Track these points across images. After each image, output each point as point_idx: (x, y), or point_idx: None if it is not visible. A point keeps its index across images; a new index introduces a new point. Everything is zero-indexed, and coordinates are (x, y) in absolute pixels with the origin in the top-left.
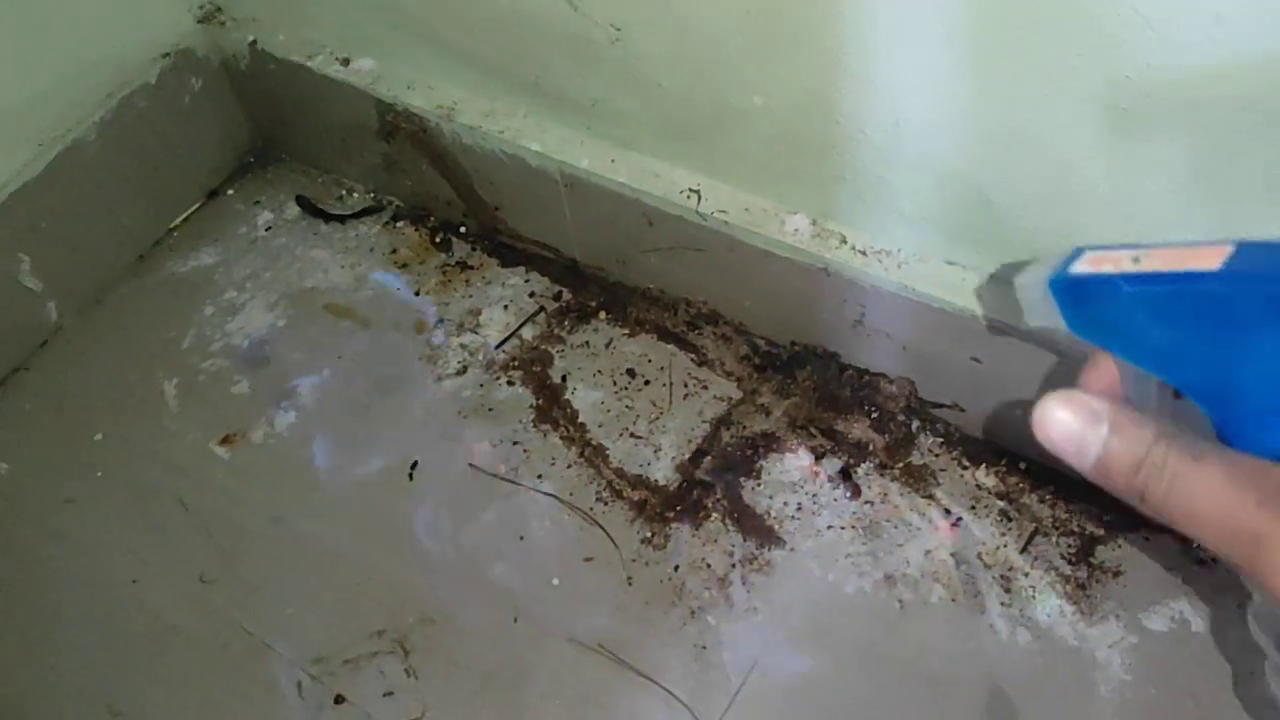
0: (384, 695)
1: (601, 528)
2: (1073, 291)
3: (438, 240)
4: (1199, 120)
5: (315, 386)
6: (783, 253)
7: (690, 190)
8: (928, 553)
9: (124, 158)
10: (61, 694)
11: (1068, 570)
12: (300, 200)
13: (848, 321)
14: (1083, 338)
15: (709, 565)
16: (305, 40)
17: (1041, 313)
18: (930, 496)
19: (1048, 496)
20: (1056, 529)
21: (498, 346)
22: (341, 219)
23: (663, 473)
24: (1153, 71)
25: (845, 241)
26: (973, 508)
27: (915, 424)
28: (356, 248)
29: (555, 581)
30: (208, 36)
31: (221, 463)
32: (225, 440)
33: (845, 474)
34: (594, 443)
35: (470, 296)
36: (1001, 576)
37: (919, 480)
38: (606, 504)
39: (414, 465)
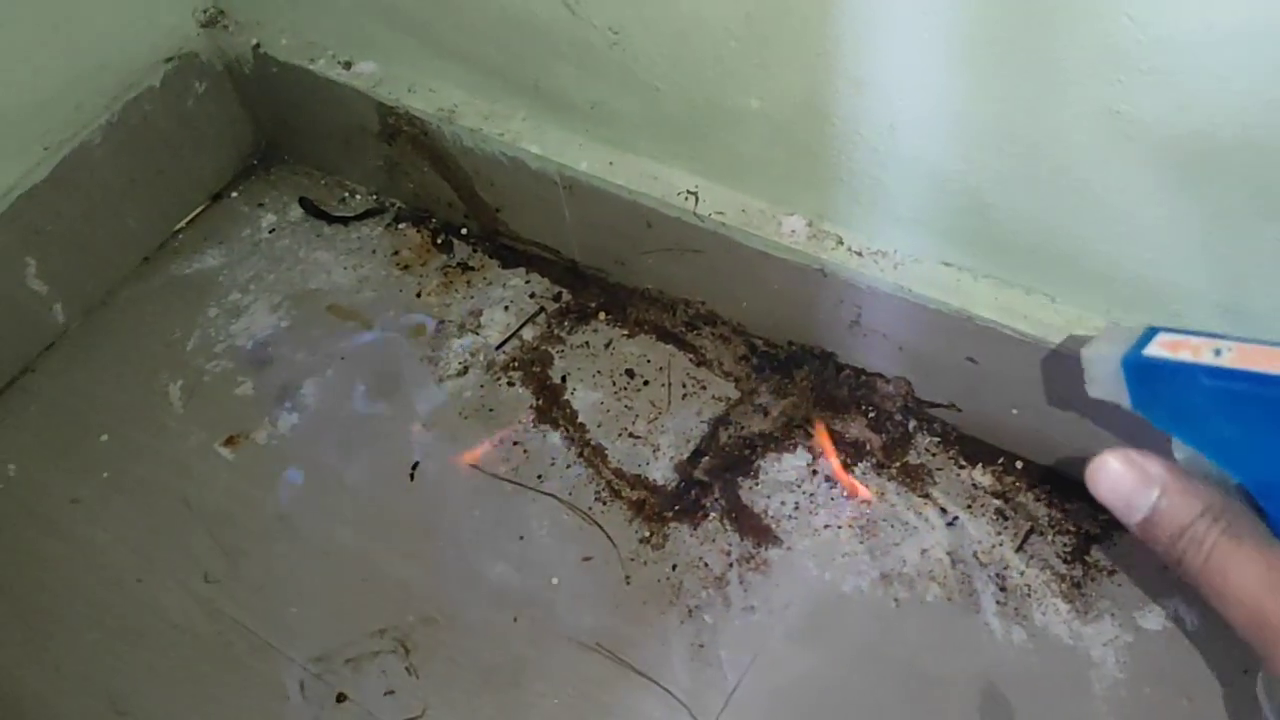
0: (385, 694)
1: (600, 527)
2: (1145, 373)
3: (439, 242)
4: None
5: (318, 387)
6: (780, 254)
7: (688, 192)
8: (924, 551)
9: (129, 161)
10: (66, 692)
11: (1063, 569)
12: (303, 202)
13: (844, 322)
14: (1145, 416)
15: (707, 564)
16: (308, 44)
17: (1107, 388)
18: (927, 496)
19: (1044, 495)
20: (1052, 528)
21: (498, 347)
22: (344, 221)
23: (661, 472)
24: (1146, 76)
25: (841, 242)
26: (969, 507)
27: (912, 424)
28: (359, 249)
29: (554, 581)
30: (211, 40)
31: (226, 463)
32: (229, 441)
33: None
34: (593, 443)
35: (471, 298)
36: (997, 575)
37: (916, 479)
38: (605, 504)
39: (415, 466)
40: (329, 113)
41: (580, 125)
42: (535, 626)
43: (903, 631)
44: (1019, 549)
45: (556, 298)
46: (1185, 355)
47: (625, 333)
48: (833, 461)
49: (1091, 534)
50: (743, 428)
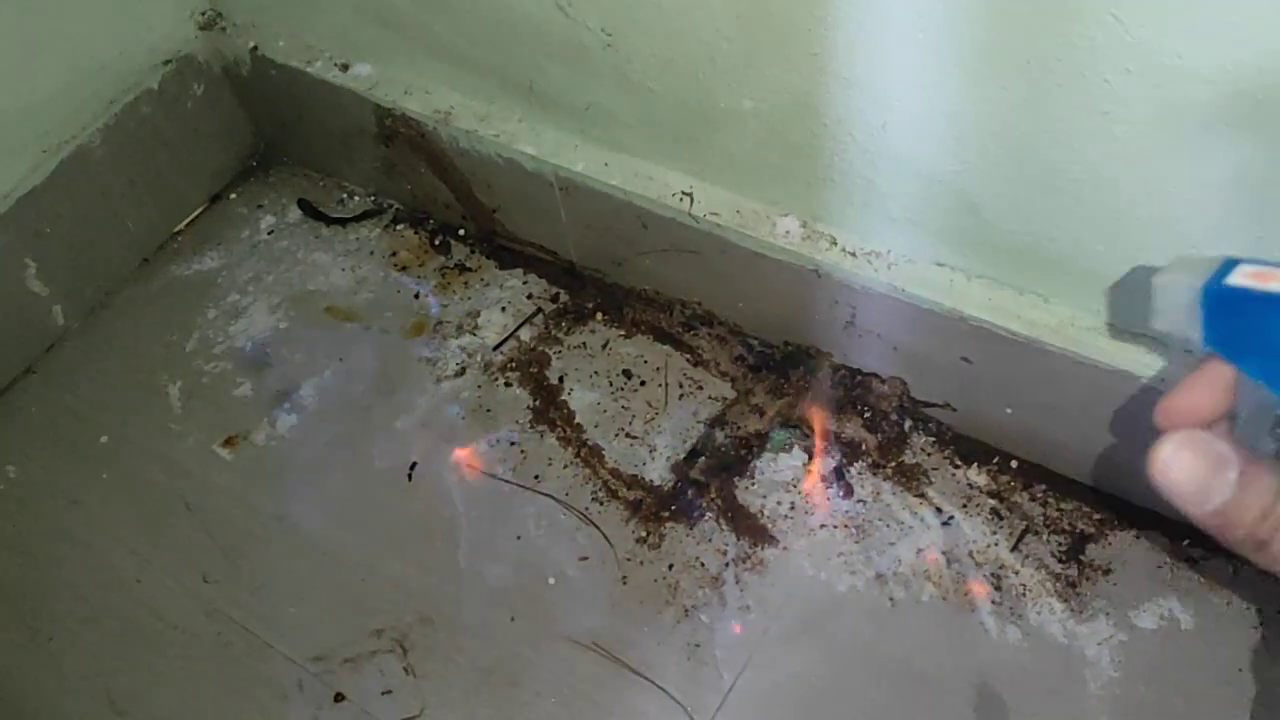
0: (383, 693)
1: (597, 527)
2: (1227, 304)
3: (437, 243)
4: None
5: (317, 388)
6: (774, 254)
7: (683, 193)
8: (919, 551)
9: (128, 163)
10: (66, 691)
11: (1058, 568)
12: (302, 204)
13: (840, 322)
14: (1217, 351)
15: (703, 564)
16: (305, 46)
17: (1177, 321)
18: (922, 495)
19: (1039, 495)
20: (1047, 527)
21: (496, 348)
22: (342, 222)
23: (658, 473)
24: (1131, 76)
25: (835, 243)
26: (964, 506)
27: (907, 423)
28: (357, 251)
29: (551, 580)
30: (209, 43)
31: (224, 464)
32: (228, 442)
33: (838, 473)
34: (590, 443)
35: (469, 298)
36: (992, 575)
37: (911, 479)
38: (602, 504)
39: (413, 466)
40: (326, 115)
41: (575, 126)
42: (532, 626)
43: (898, 631)
44: (1014, 548)
45: (554, 298)
46: (1275, 286)
47: (622, 333)
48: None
49: (1086, 533)
50: (739, 428)
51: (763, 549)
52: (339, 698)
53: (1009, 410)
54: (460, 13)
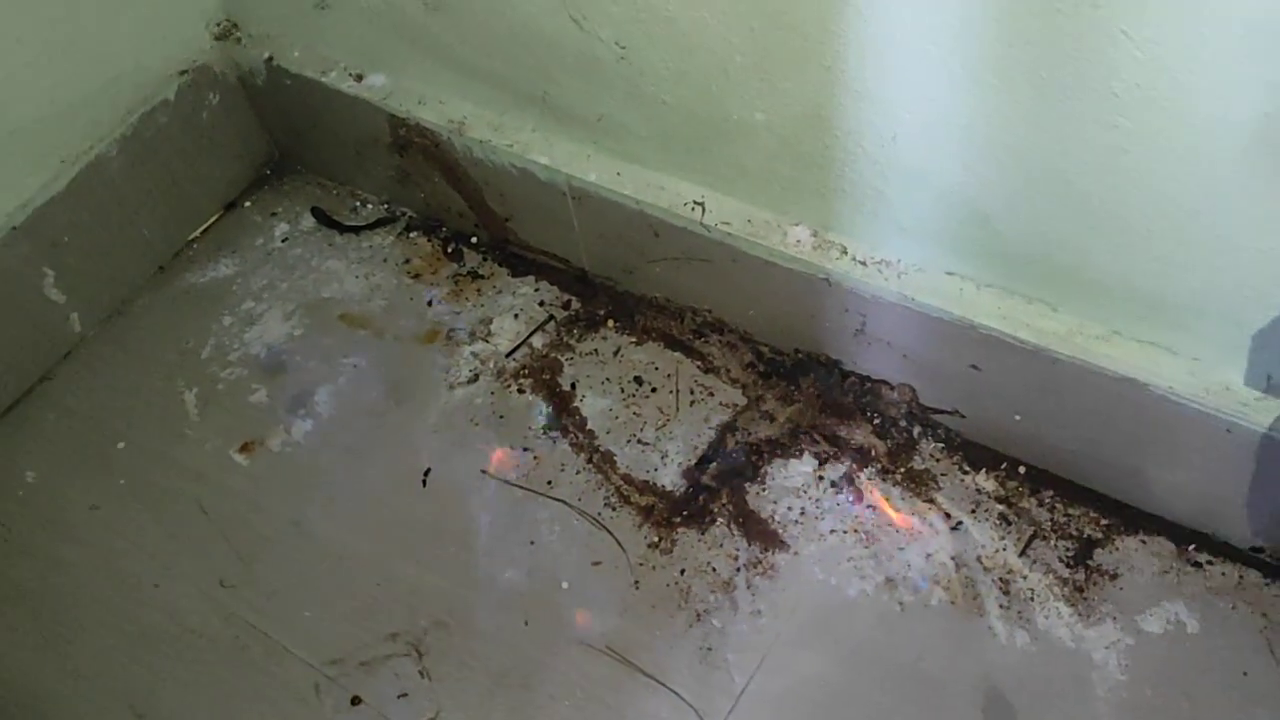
0: (399, 696)
1: (609, 532)
2: None
3: (450, 250)
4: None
5: (331, 395)
6: (785, 263)
7: (694, 202)
8: (929, 556)
9: (144, 172)
10: (85, 695)
11: (1066, 573)
12: (315, 212)
13: (849, 330)
14: None
15: (714, 569)
16: (319, 57)
17: None
18: (931, 501)
19: (1046, 500)
20: (1055, 532)
21: (509, 355)
22: (356, 230)
23: (669, 478)
24: (1140, 91)
25: (846, 252)
26: (973, 512)
27: (916, 430)
28: (371, 258)
29: (564, 585)
30: (225, 53)
31: (240, 470)
32: (244, 448)
33: (848, 479)
34: (602, 449)
35: (481, 305)
36: (1001, 579)
37: (920, 485)
38: (614, 509)
39: (427, 472)
40: (341, 124)
41: (588, 137)
42: (545, 630)
43: (907, 634)
44: (1022, 553)
45: (566, 305)
46: None
47: (634, 340)
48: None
49: (1094, 539)
50: (750, 434)
51: (773, 554)
52: (355, 701)
53: (1017, 417)
54: (474, 24)
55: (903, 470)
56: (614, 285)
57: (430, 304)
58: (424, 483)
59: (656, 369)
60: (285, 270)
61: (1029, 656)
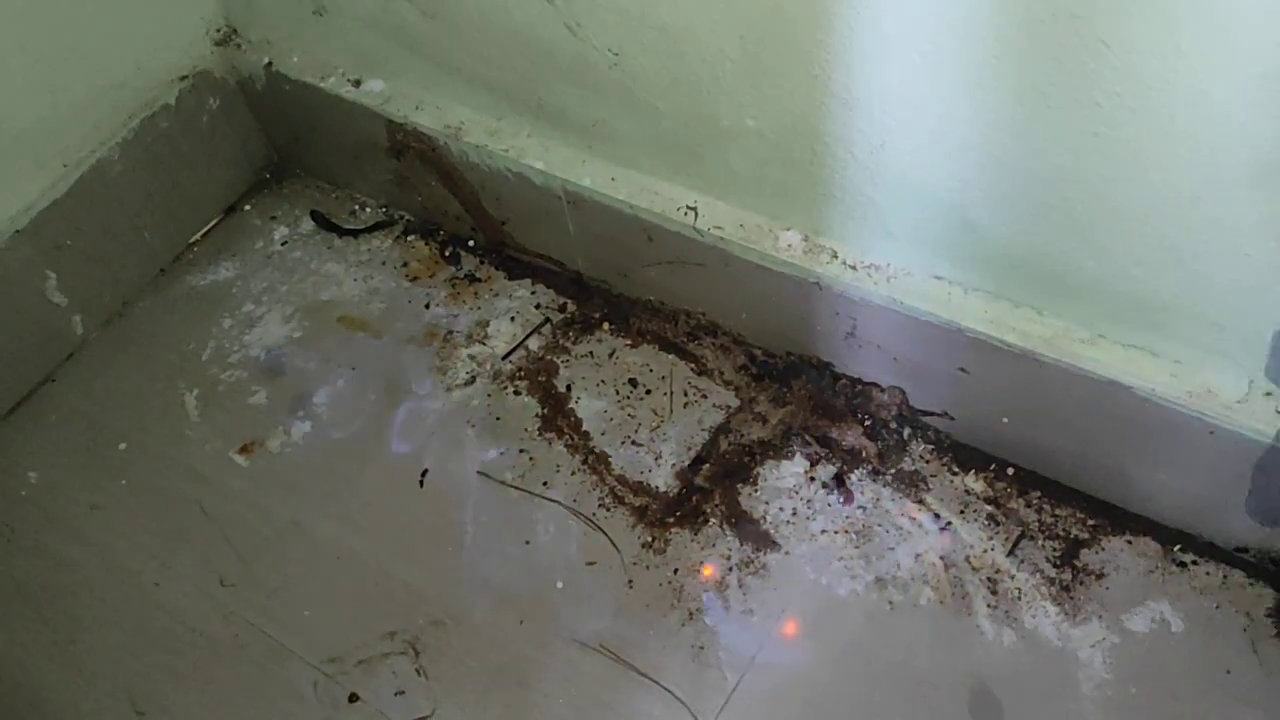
0: (396, 694)
1: (604, 533)
2: None
3: (447, 254)
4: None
5: (330, 396)
6: (776, 267)
7: (688, 207)
8: (918, 556)
9: (146, 176)
10: (87, 691)
11: (1052, 573)
12: (315, 215)
13: (840, 333)
14: None
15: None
16: (318, 62)
17: None
18: (921, 501)
19: (1034, 501)
20: (1042, 533)
21: (505, 357)
22: (354, 233)
23: (663, 479)
24: (1121, 99)
25: (836, 257)
26: (962, 512)
27: (907, 431)
28: (369, 261)
29: (559, 584)
30: (225, 59)
31: (240, 470)
32: (244, 449)
33: (839, 480)
34: (597, 450)
35: (478, 308)
36: (988, 579)
37: (910, 486)
38: (609, 510)
39: (424, 473)
40: (339, 129)
41: (583, 142)
42: (540, 629)
43: (897, 633)
44: (1010, 553)
45: (561, 308)
46: None
47: (628, 343)
48: None
49: (1080, 539)
50: (742, 435)
51: (765, 554)
52: (353, 698)
53: (1005, 419)
54: (471, 31)
55: (893, 471)
56: (609, 288)
57: (428, 307)
58: (421, 483)
59: (651, 371)
60: (285, 273)
61: (1016, 655)
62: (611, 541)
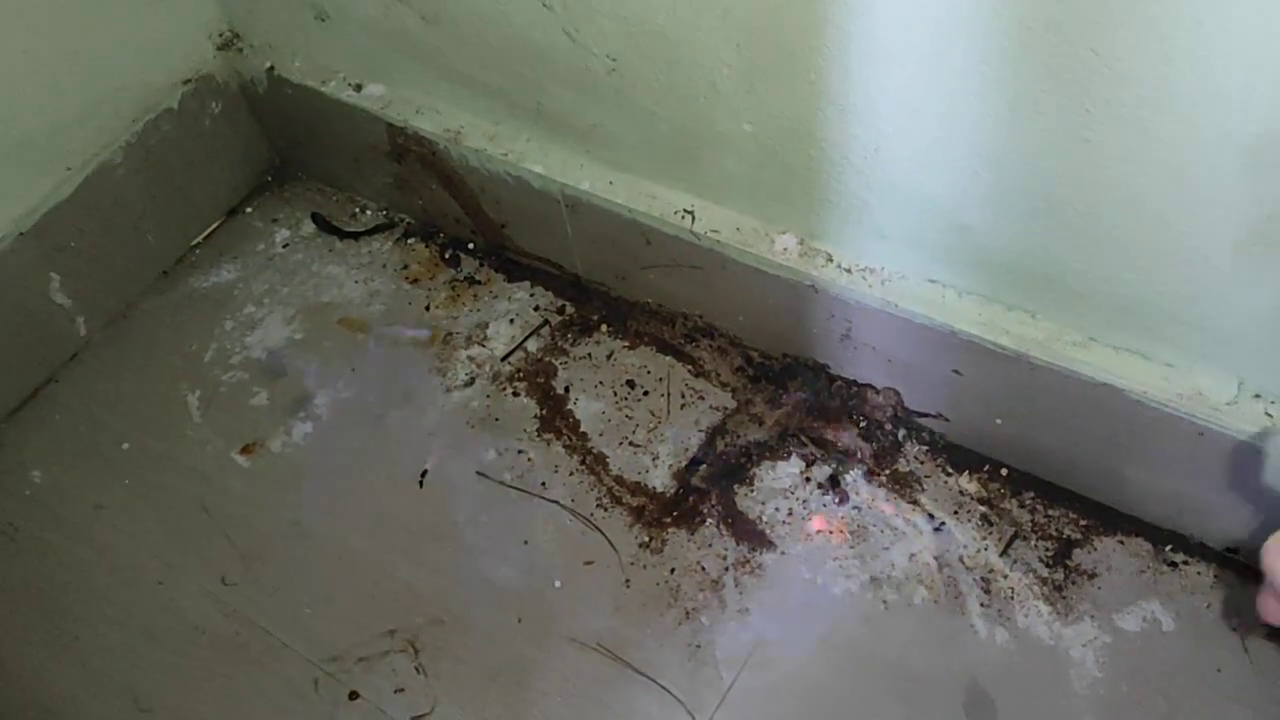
0: (396, 692)
1: (601, 533)
2: None
3: (447, 256)
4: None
5: (330, 397)
6: (773, 270)
7: (685, 211)
8: (912, 556)
9: (148, 179)
10: (91, 690)
11: (1045, 573)
12: (316, 218)
13: (836, 335)
14: None
15: (703, 568)
16: (319, 67)
17: None
18: (915, 502)
19: (1027, 501)
20: (1035, 533)
21: (504, 359)
22: (355, 236)
23: (660, 480)
24: (1110, 106)
25: (831, 260)
26: (956, 513)
27: (901, 433)
28: (370, 263)
29: (557, 584)
30: (227, 63)
31: (242, 470)
32: (245, 449)
33: (834, 480)
34: (595, 451)
35: (478, 310)
36: (982, 579)
37: (905, 486)
38: (606, 510)
39: (424, 473)
40: (340, 132)
41: (581, 146)
42: (539, 627)
43: (891, 632)
44: (1003, 553)
45: (560, 310)
46: None
47: (626, 344)
48: None
49: (1073, 539)
50: (739, 436)
51: (761, 554)
52: (353, 696)
53: (998, 420)
54: (470, 37)
55: (888, 472)
56: (607, 291)
57: (427, 308)
58: (421, 483)
59: (648, 373)
60: (286, 275)
61: (1009, 654)
62: (609, 541)
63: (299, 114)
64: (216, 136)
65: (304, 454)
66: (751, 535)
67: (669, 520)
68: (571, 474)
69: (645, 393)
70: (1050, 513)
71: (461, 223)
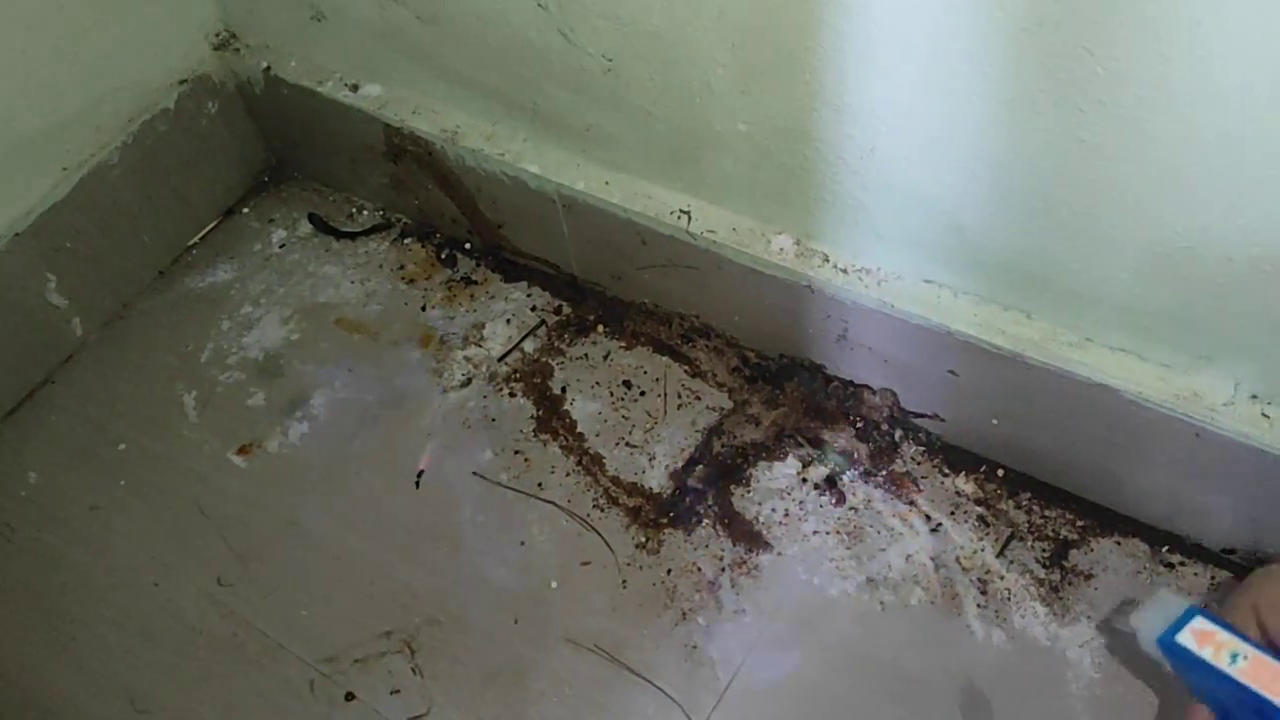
0: (392, 693)
1: (598, 533)
2: (1175, 654)
3: (443, 256)
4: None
5: (327, 398)
6: (769, 271)
7: (681, 211)
8: (908, 557)
9: (145, 179)
10: (87, 691)
11: (1042, 573)
12: (312, 218)
13: (832, 336)
14: (1181, 680)
15: (700, 569)
16: (316, 67)
17: (1151, 652)
18: (912, 503)
19: (1024, 502)
20: (1032, 534)
21: (500, 359)
22: (352, 236)
23: (657, 480)
24: (1104, 106)
25: (827, 260)
26: (952, 513)
27: (898, 433)
28: (366, 264)
29: (554, 584)
30: (223, 63)
31: (238, 471)
32: (242, 450)
33: (831, 481)
34: (591, 451)
35: (474, 311)
36: (978, 580)
37: (901, 487)
38: (603, 510)
39: (420, 474)
40: (337, 132)
41: (577, 146)
42: (536, 628)
43: (887, 633)
44: (1000, 554)
45: (556, 311)
46: (1207, 653)
47: (623, 345)
48: None
49: (1069, 540)
50: (735, 437)
51: (757, 554)
52: (349, 697)
53: (995, 421)
54: (466, 37)
55: (884, 473)
56: (603, 291)
57: (424, 309)
58: (417, 484)
59: (645, 373)
60: (282, 275)
61: (1005, 654)
62: (606, 542)
63: (295, 114)
64: (213, 137)
65: (301, 454)
66: (748, 536)
67: (665, 521)
68: (568, 474)
69: (642, 393)
70: (1047, 513)
71: (458, 223)
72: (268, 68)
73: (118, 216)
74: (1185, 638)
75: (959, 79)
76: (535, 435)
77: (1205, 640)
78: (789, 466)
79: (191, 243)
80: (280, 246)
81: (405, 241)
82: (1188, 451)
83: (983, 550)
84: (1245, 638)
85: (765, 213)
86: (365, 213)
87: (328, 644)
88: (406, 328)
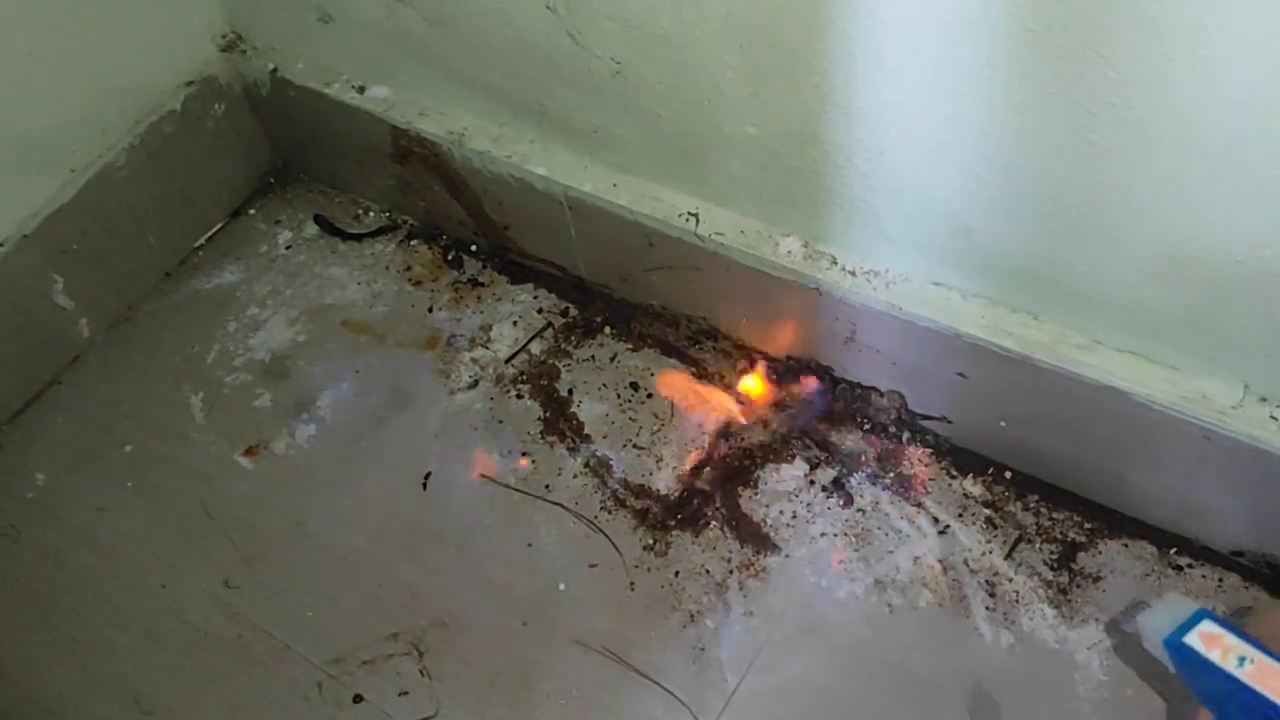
0: (400, 694)
1: (606, 535)
2: (1182, 655)
3: (450, 258)
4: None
5: (334, 399)
6: (777, 273)
7: (689, 213)
8: (917, 559)
9: (151, 181)
10: (92, 693)
11: (1050, 576)
12: (319, 220)
13: (840, 338)
14: (1184, 681)
15: (708, 571)
16: (323, 68)
17: (1156, 652)
18: (920, 505)
19: (1032, 504)
20: (1040, 536)
21: (507, 361)
22: (358, 238)
23: (664, 482)
24: (1115, 109)
25: (836, 263)
26: (960, 516)
27: (906, 435)
28: (373, 265)
29: (561, 586)
30: (230, 65)
31: (245, 472)
32: (249, 451)
33: (838, 483)
34: (598, 453)
35: (481, 312)
36: (987, 582)
37: (909, 489)
38: (610, 512)
39: (427, 475)
40: (343, 134)
41: (585, 148)
42: (543, 630)
43: (895, 635)
44: (1008, 556)
45: (563, 313)
46: (1215, 655)
47: (630, 347)
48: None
49: (1077, 542)
50: (743, 439)
51: (765, 556)
52: (357, 699)
53: (1003, 423)
54: (473, 39)
55: (892, 475)
56: (611, 293)
57: (431, 310)
58: (424, 486)
59: (652, 375)
60: (289, 277)
61: (1014, 657)
62: (613, 544)
63: (302, 116)
64: (219, 138)
65: (307, 456)
66: (756, 538)
67: (673, 523)
68: (575, 476)
69: (649, 395)
70: (1055, 516)
71: (465, 225)
72: (274, 69)
73: (124, 218)
74: (1193, 639)
75: (967, 82)
76: (542, 437)
77: (1213, 643)
78: (796, 468)
79: (198, 244)
80: (287, 248)
81: (412, 243)
82: (1196, 454)
83: (991, 552)
84: (1253, 642)
85: (773, 215)
86: (372, 214)
87: (335, 646)
88: (413, 329)
